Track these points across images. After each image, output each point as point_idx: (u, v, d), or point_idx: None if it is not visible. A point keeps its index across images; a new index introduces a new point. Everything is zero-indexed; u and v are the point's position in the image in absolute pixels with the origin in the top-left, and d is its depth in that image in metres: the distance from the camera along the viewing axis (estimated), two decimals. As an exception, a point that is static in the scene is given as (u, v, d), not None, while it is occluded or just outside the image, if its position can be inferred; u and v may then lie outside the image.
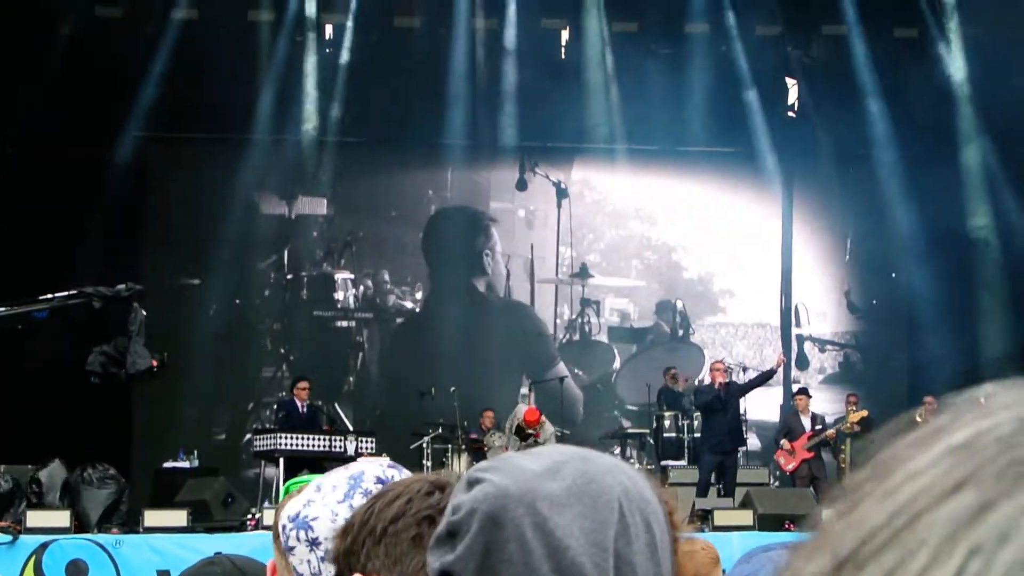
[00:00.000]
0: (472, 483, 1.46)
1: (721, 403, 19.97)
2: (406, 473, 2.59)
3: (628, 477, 1.52)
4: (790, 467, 20.61)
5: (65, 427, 19.89)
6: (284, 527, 2.55)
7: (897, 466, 0.67)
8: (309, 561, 2.52)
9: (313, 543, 2.49)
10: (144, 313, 15.46)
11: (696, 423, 21.16)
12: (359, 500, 2.47)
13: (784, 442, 20.79)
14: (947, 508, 0.62)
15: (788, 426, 21.23)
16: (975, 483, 0.63)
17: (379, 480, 2.54)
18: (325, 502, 2.53)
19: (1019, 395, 0.66)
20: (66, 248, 21.80)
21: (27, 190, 22.10)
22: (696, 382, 22.12)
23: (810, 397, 21.66)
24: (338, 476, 2.59)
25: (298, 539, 2.53)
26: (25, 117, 21.99)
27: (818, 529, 0.69)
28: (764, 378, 20.96)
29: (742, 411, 21.46)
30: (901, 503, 0.64)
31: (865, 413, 21.14)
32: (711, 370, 20.75)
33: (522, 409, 20.08)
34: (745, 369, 22.62)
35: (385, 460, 2.63)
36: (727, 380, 20.54)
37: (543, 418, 20.00)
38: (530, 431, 19.53)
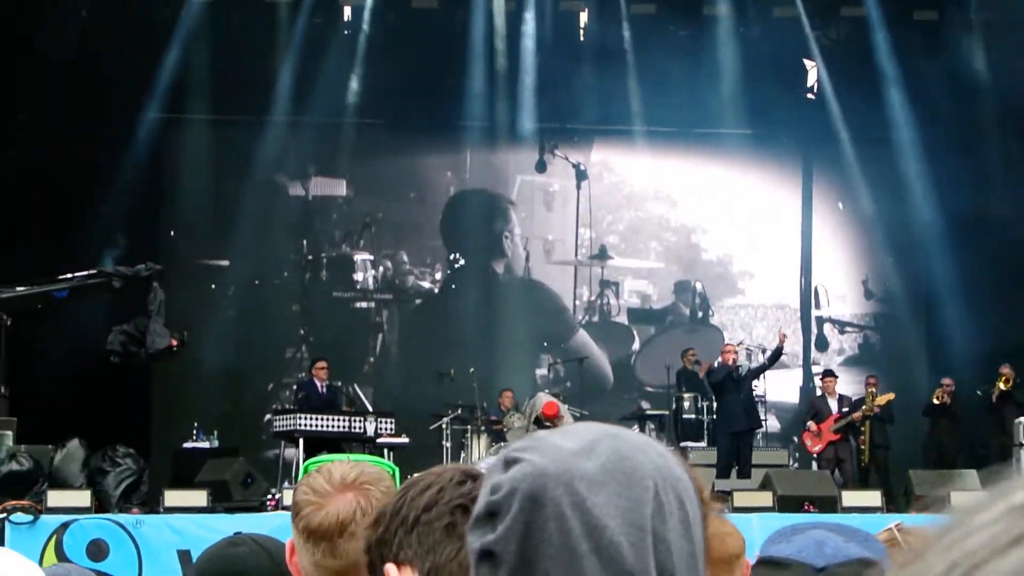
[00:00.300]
0: (509, 463, 1.46)
1: (734, 382, 20.00)
2: None
3: (659, 455, 1.52)
4: (816, 449, 20.65)
5: (85, 407, 19.94)
6: None
7: (959, 523, 0.69)
8: None
9: None
10: (163, 293, 15.51)
11: (715, 404, 21.16)
12: None
13: (811, 424, 20.83)
14: (1007, 560, 0.63)
15: (815, 408, 21.27)
16: None
17: None
18: None
19: None
20: (85, 230, 21.86)
21: (47, 172, 22.13)
22: (714, 364, 22.10)
23: (836, 378, 21.68)
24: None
25: None
26: (44, 98, 22.04)
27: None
28: (774, 358, 20.98)
29: (760, 392, 21.47)
30: (962, 554, 0.65)
31: (891, 396, 21.11)
32: (722, 352, 20.75)
33: (542, 400, 19.98)
34: (764, 351, 22.61)
35: None
36: (738, 361, 20.60)
37: (562, 411, 19.95)
38: (548, 423, 19.50)
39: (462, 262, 26.19)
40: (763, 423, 21.52)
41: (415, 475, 2.17)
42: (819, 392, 21.88)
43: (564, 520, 1.41)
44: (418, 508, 2.04)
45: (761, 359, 21.99)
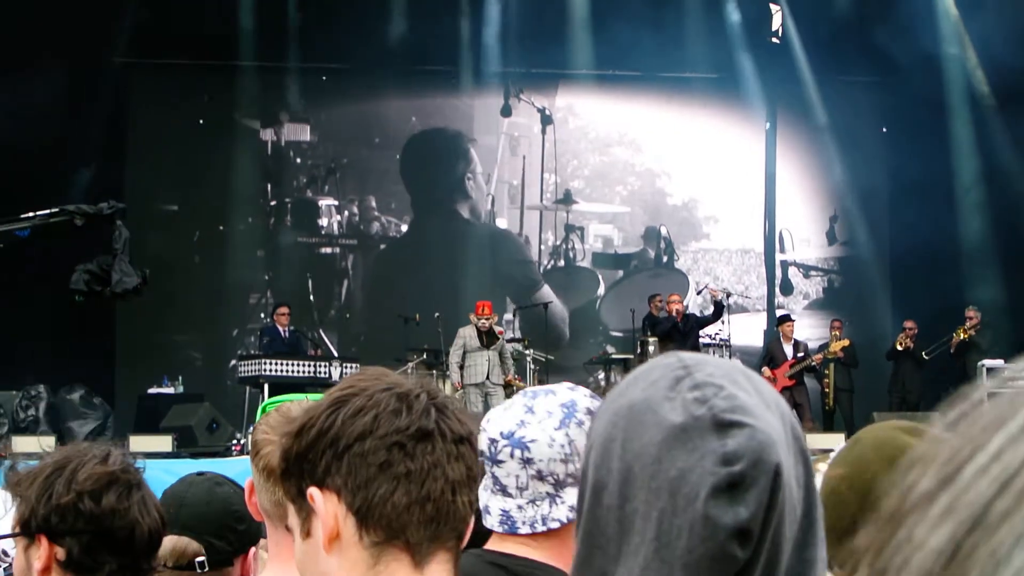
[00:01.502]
0: (724, 425, 1.39)
1: (680, 333, 20.05)
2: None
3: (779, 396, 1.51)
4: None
5: (49, 352, 19.89)
6: (495, 441, 2.69)
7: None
8: (518, 476, 2.68)
9: (527, 462, 2.66)
10: (128, 231, 15.39)
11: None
12: (574, 429, 2.66)
13: (765, 369, 20.86)
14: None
15: (770, 353, 21.32)
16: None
17: (589, 411, 2.68)
18: (543, 427, 2.68)
19: None
20: (47, 175, 21.69)
21: (8, 112, 21.92)
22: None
23: (793, 323, 21.70)
24: (550, 403, 2.72)
25: (511, 456, 2.68)
26: (6, 37, 21.84)
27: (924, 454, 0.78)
28: (716, 315, 21.04)
29: (724, 336, 21.51)
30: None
31: (847, 342, 21.20)
32: (667, 302, 20.76)
33: (468, 329, 19.93)
34: (729, 295, 22.63)
35: (586, 391, 2.75)
36: (684, 311, 20.61)
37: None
38: (481, 320, 19.49)
39: (425, 205, 26.15)
40: None
41: (344, 388, 2.08)
42: (776, 337, 21.93)
43: (788, 489, 1.40)
44: (350, 436, 1.99)
45: (726, 302, 22.08)
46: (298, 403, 3.08)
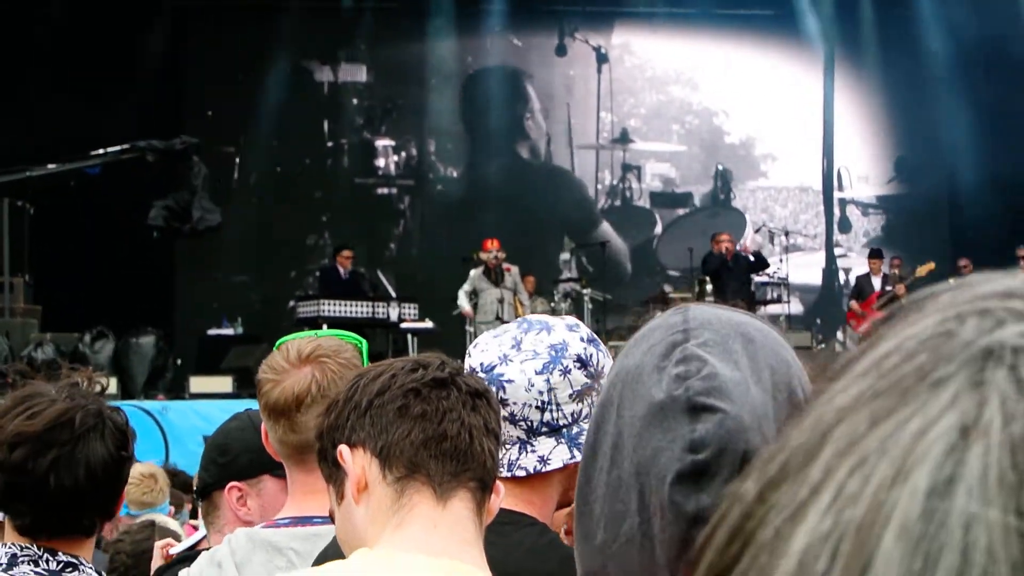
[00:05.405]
0: (699, 410, 1.38)
1: (728, 271, 19.98)
2: (603, 349, 2.63)
3: (782, 344, 1.49)
4: (862, 328, 20.68)
5: (110, 294, 20.03)
6: (473, 371, 2.54)
7: (827, 392, 0.66)
8: None
9: (501, 402, 2.47)
10: (206, 168, 15.36)
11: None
12: (557, 377, 2.56)
13: (853, 303, 20.97)
14: (844, 426, 0.62)
15: (859, 287, 21.43)
16: (869, 401, 0.59)
17: (579, 359, 2.58)
18: (523, 368, 2.57)
19: (960, 293, 0.64)
20: (104, 117, 21.81)
21: (69, 58, 22.03)
22: (737, 247, 22.01)
23: (883, 259, 21.64)
24: (540, 341, 2.60)
25: None
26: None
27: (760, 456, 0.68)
28: (760, 265, 20.84)
29: (783, 274, 21.46)
30: (819, 422, 0.63)
31: (932, 266, 21.04)
32: (715, 241, 20.57)
33: (477, 270, 19.78)
34: (787, 233, 22.56)
35: (585, 331, 2.64)
36: (735, 251, 20.39)
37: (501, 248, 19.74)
38: (486, 255, 19.36)
39: (483, 145, 26.12)
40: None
41: (368, 365, 2.25)
42: (866, 271, 21.91)
43: None
44: (371, 393, 2.14)
45: (785, 241, 22.04)
46: (301, 340, 3.11)
